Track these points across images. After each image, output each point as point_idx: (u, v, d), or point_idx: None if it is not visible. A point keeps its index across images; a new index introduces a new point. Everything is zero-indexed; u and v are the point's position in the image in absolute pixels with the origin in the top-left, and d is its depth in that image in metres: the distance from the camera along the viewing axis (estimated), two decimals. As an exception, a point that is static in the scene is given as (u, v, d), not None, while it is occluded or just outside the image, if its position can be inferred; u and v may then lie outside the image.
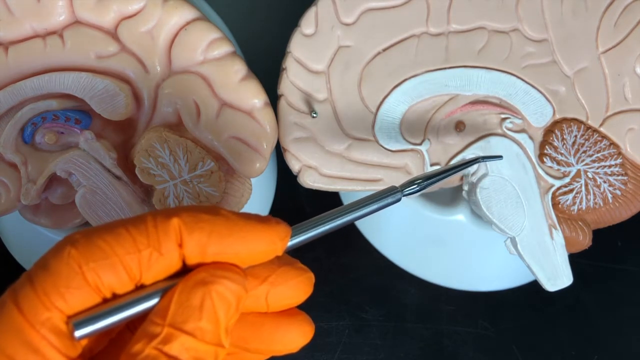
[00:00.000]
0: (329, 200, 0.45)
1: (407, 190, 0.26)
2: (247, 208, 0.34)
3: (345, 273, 0.44)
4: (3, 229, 0.41)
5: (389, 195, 0.25)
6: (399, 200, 0.25)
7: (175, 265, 0.20)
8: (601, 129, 0.34)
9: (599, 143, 0.34)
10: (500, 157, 0.32)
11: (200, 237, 0.20)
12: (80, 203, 0.32)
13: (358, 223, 0.45)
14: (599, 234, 0.34)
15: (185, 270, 0.21)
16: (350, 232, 0.44)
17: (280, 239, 0.21)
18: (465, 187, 0.34)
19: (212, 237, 0.20)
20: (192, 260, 0.21)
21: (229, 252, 0.21)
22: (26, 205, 0.32)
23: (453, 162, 0.34)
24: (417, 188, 0.26)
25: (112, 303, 0.20)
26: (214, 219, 0.20)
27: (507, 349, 0.43)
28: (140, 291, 0.20)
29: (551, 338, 0.43)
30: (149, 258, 0.20)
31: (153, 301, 0.20)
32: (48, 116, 0.32)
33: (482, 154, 0.33)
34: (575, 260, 0.35)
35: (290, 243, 0.22)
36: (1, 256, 0.41)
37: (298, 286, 0.22)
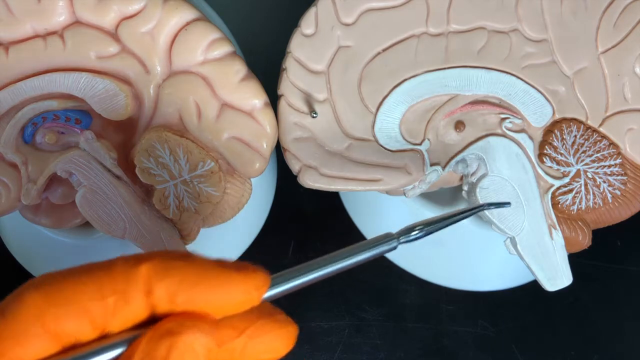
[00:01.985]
0: (329, 200, 0.45)
1: (405, 238, 0.24)
2: (247, 208, 0.34)
3: (345, 273, 0.44)
4: (3, 229, 0.41)
5: (383, 243, 0.23)
6: (394, 248, 0.23)
7: (142, 314, 0.19)
8: (601, 129, 0.34)
9: (598, 143, 0.34)
10: (508, 203, 0.30)
11: (169, 285, 0.19)
12: (81, 203, 0.32)
13: (358, 223, 0.45)
14: (598, 234, 0.34)
15: (157, 319, 0.20)
16: (351, 232, 0.44)
17: (256, 289, 0.20)
18: (465, 187, 0.34)
19: (182, 285, 0.19)
20: (161, 309, 0.19)
21: (199, 301, 0.19)
22: (26, 205, 0.32)
23: (452, 162, 0.34)
24: (419, 235, 0.24)
25: (72, 352, 0.18)
26: (186, 265, 0.20)
27: (507, 349, 0.43)
28: (103, 341, 0.19)
29: (551, 338, 0.43)
30: (114, 305, 0.19)
31: (117, 351, 0.19)
32: (48, 116, 0.32)
33: (482, 154, 0.33)
34: (575, 260, 0.35)
35: (270, 293, 0.21)
36: (1, 256, 0.41)
37: (277, 340, 0.21)
